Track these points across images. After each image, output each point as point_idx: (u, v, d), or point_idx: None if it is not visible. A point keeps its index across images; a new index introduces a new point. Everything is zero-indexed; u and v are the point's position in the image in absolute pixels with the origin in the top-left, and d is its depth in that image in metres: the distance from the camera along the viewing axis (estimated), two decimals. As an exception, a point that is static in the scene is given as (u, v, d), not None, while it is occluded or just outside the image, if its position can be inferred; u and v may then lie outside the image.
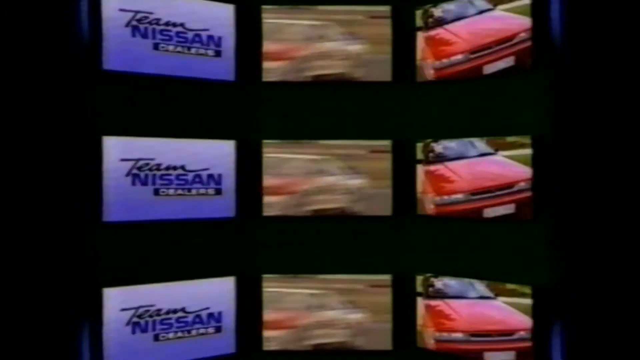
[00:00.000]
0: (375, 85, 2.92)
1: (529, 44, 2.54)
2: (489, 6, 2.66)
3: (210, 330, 2.82)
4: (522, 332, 2.53)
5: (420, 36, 2.89)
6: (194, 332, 2.78)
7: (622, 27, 2.41)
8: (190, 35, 2.79)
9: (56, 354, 2.49)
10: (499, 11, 2.62)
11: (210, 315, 2.82)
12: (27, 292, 2.43)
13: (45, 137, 2.48)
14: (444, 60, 2.81)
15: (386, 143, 2.90)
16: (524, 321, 2.53)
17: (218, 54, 2.85)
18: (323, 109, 2.95)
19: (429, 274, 2.84)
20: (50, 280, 2.48)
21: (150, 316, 2.68)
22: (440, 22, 2.83)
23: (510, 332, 2.56)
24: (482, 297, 2.66)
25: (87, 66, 2.57)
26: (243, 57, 2.90)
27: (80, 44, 2.56)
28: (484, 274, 2.69)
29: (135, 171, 2.66)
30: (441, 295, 2.79)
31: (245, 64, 2.91)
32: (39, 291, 2.46)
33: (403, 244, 2.94)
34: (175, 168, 2.75)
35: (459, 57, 2.76)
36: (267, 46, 2.89)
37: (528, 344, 2.51)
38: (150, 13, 2.70)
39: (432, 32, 2.86)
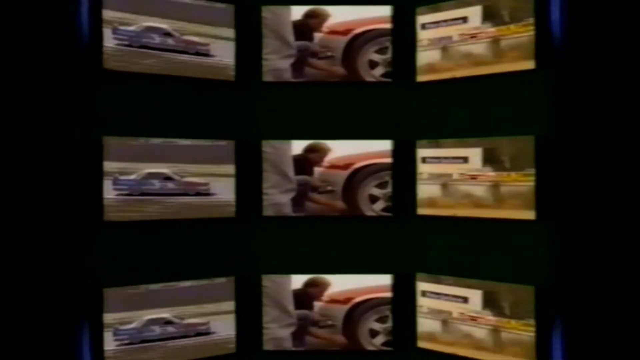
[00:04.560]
0: (375, 85, 2.92)
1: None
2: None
3: (210, 329, 2.83)
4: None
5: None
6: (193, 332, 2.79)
7: (623, 27, 2.40)
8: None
9: (56, 354, 2.49)
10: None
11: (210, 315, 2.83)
12: (27, 291, 2.43)
13: (46, 137, 2.48)
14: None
15: (386, 143, 2.91)
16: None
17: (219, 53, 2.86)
18: (323, 109, 2.95)
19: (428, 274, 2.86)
20: (50, 280, 2.48)
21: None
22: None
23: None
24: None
25: (87, 65, 2.57)
26: (243, 57, 2.90)
27: (81, 43, 2.56)
28: (485, 274, 2.69)
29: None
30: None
31: (245, 64, 2.90)
32: (39, 291, 2.45)
33: (403, 244, 2.94)
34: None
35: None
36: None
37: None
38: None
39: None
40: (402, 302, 2.90)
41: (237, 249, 2.93)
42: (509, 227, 2.63)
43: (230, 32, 2.87)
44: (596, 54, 2.44)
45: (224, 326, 2.85)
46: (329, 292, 2.91)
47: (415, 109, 2.93)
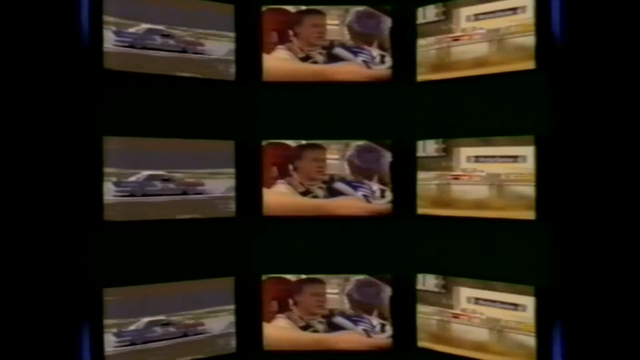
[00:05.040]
0: (375, 85, 2.92)
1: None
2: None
3: (210, 329, 2.83)
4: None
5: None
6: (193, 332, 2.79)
7: (623, 27, 2.40)
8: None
9: (56, 354, 2.49)
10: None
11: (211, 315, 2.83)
12: (27, 291, 2.43)
13: (46, 137, 2.48)
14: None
15: (386, 143, 2.90)
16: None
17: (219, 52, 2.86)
18: (323, 109, 2.95)
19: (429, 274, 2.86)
20: (50, 279, 2.48)
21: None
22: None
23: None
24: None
25: (88, 66, 2.57)
26: (243, 57, 2.90)
27: (82, 43, 2.55)
28: (485, 274, 2.69)
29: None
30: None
31: (245, 64, 2.90)
32: (39, 291, 2.46)
33: (403, 244, 2.94)
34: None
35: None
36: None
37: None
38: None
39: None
40: (402, 302, 2.90)
41: (237, 249, 2.93)
42: (509, 227, 2.63)
43: (230, 32, 2.88)
44: (596, 54, 2.44)
45: (223, 326, 2.85)
46: (329, 292, 2.91)
47: (415, 109, 2.93)
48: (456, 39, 2.79)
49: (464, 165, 2.75)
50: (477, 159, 2.71)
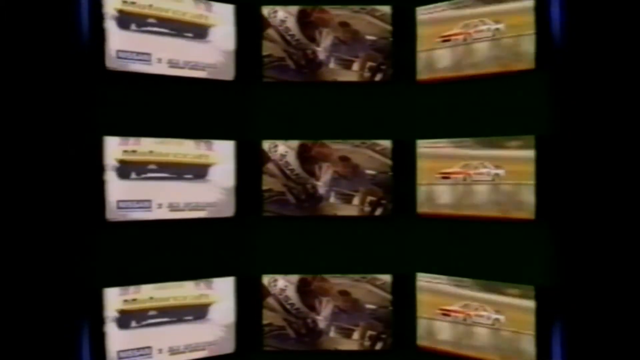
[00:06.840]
0: (375, 85, 2.92)
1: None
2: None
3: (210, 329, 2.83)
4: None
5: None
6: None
7: (623, 27, 2.41)
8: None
9: (56, 354, 2.49)
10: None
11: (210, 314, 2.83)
12: (27, 291, 2.43)
13: (47, 136, 2.48)
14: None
15: (386, 143, 2.90)
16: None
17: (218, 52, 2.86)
18: (323, 109, 2.95)
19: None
20: (50, 279, 2.48)
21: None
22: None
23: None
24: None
25: (89, 65, 2.57)
26: (243, 57, 2.90)
27: (82, 43, 2.55)
28: (485, 274, 2.69)
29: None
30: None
31: (245, 64, 2.90)
32: (39, 291, 2.46)
33: (403, 244, 2.94)
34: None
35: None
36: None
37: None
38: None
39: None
40: (402, 302, 2.90)
41: (237, 249, 2.93)
42: (509, 227, 2.63)
43: (230, 32, 2.87)
44: (596, 54, 2.44)
45: (223, 326, 2.85)
46: (329, 292, 2.91)
47: (415, 109, 2.93)
48: (456, 39, 2.79)
49: (464, 166, 2.76)
50: (477, 159, 2.72)
